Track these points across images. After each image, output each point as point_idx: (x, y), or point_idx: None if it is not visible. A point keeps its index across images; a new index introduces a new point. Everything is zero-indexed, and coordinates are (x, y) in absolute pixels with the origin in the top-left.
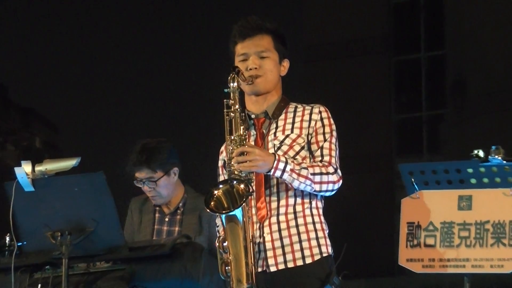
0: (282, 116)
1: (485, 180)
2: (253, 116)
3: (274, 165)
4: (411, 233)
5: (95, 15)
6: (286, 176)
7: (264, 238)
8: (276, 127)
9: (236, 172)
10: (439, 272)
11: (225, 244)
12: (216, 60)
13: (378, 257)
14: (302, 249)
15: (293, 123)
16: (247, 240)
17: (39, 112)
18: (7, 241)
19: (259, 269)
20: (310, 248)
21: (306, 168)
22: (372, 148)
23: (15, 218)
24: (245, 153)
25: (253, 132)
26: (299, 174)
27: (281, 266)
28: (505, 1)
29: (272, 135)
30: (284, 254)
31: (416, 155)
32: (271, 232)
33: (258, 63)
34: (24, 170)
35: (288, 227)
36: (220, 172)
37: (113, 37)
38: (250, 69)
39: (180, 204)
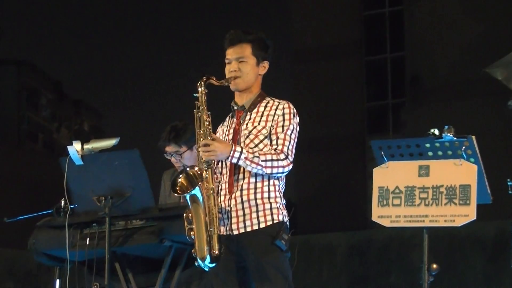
0: (255, 110)
1: (440, 153)
2: (235, 107)
3: (231, 154)
4: (381, 195)
5: (136, 15)
6: (241, 162)
7: (231, 208)
8: (250, 119)
9: (202, 159)
10: (404, 226)
11: (190, 215)
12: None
13: (354, 214)
14: (258, 217)
15: (262, 116)
16: (208, 213)
17: (87, 102)
18: (62, 204)
19: (225, 233)
20: (265, 216)
21: (258, 157)
22: (349, 129)
23: (69, 186)
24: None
25: (235, 120)
26: (251, 161)
27: (242, 230)
28: (449, 12)
29: (245, 125)
30: (244, 221)
31: (384, 134)
32: (236, 204)
33: (237, 66)
34: (75, 148)
35: (249, 200)
36: None
37: (150, 35)
38: (231, 71)
39: None
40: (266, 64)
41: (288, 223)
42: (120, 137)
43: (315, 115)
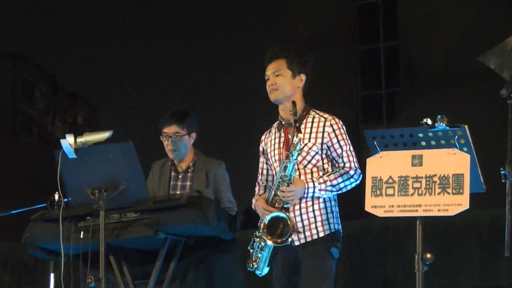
0: (303, 126)
1: (433, 142)
2: (283, 123)
3: (305, 192)
4: (375, 185)
5: (131, 7)
6: (315, 196)
7: None
8: (297, 136)
9: (280, 199)
10: (397, 216)
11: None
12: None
13: (350, 204)
14: (316, 227)
15: (310, 133)
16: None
17: (81, 95)
18: (56, 198)
19: (288, 244)
20: (322, 226)
21: (329, 183)
22: (343, 119)
23: (62, 179)
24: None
25: (282, 134)
26: (325, 190)
27: (302, 241)
28: (443, 0)
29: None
30: (304, 232)
31: (377, 123)
32: (295, 216)
33: (274, 80)
34: (68, 141)
35: (307, 212)
36: (260, 155)
37: (145, 30)
38: (269, 85)
39: (191, 164)
40: (303, 77)
41: (341, 230)
42: (115, 130)
43: (309, 104)
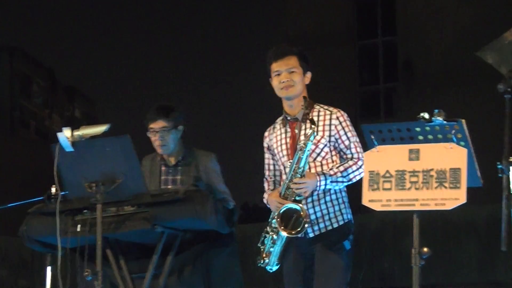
0: (308, 120)
1: (430, 136)
2: (289, 118)
3: (317, 185)
4: (372, 179)
5: (130, 1)
6: (326, 188)
7: None
8: (305, 129)
9: (292, 192)
10: (394, 210)
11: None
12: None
13: (348, 198)
14: (330, 219)
15: (317, 126)
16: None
17: (79, 89)
18: (53, 191)
19: (301, 235)
20: (336, 217)
21: (340, 174)
22: None
23: (60, 172)
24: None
25: (288, 129)
26: (336, 182)
27: (317, 233)
28: None
29: (302, 136)
30: (318, 223)
31: (375, 118)
32: (307, 208)
33: (289, 76)
34: (65, 135)
35: (320, 204)
36: (265, 151)
37: (143, 25)
38: (283, 81)
39: (180, 158)
40: (309, 75)
41: (352, 220)
42: (112, 123)
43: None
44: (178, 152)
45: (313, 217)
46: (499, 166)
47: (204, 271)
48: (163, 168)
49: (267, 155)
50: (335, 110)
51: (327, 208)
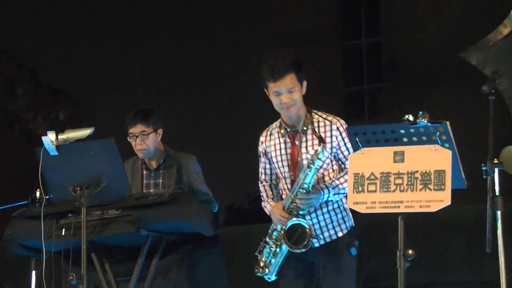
0: (309, 131)
1: (414, 138)
2: (288, 129)
3: (321, 198)
4: (357, 181)
5: (118, 5)
6: (329, 199)
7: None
8: (306, 141)
9: (297, 205)
10: (379, 212)
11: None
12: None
13: None
14: (334, 228)
15: (319, 138)
16: None
17: (64, 91)
18: (37, 195)
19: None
20: (339, 225)
21: (341, 186)
22: None
23: (44, 176)
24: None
25: (287, 140)
26: (338, 194)
27: (322, 242)
28: None
29: (304, 149)
30: (322, 233)
31: (360, 120)
32: (311, 218)
33: (289, 96)
34: (49, 139)
35: (323, 213)
36: (261, 155)
37: (127, 26)
38: (285, 102)
39: (161, 161)
40: (305, 84)
41: (354, 224)
42: (97, 127)
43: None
44: (159, 155)
45: (316, 226)
46: (484, 168)
47: (190, 273)
48: (144, 172)
49: (263, 159)
50: (334, 120)
51: (330, 217)
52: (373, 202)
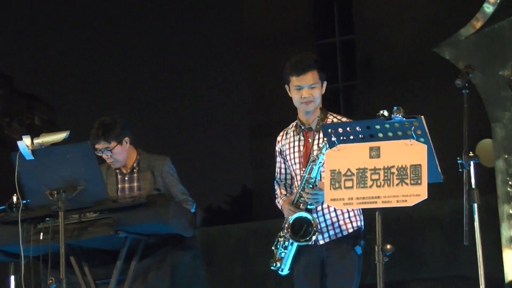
0: None
1: (390, 134)
2: (303, 127)
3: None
4: (334, 178)
5: (89, 12)
6: None
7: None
8: (318, 139)
9: (304, 200)
10: (357, 208)
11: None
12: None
13: None
14: (340, 226)
15: None
16: None
17: (39, 97)
18: (14, 200)
19: (311, 243)
20: (345, 224)
21: None
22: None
23: (20, 181)
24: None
25: (301, 138)
26: None
27: (327, 240)
28: None
29: (316, 146)
30: (328, 231)
31: None
32: (318, 216)
33: (310, 92)
34: (25, 143)
35: (329, 212)
36: (277, 155)
37: (102, 30)
38: (305, 97)
39: (135, 164)
40: (325, 84)
41: (363, 227)
42: (73, 130)
43: (269, 100)
44: (131, 159)
45: (323, 224)
46: (460, 161)
47: (169, 275)
48: (119, 176)
49: (278, 159)
50: (345, 120)
51: (336, 216)
52: (350, 198)
